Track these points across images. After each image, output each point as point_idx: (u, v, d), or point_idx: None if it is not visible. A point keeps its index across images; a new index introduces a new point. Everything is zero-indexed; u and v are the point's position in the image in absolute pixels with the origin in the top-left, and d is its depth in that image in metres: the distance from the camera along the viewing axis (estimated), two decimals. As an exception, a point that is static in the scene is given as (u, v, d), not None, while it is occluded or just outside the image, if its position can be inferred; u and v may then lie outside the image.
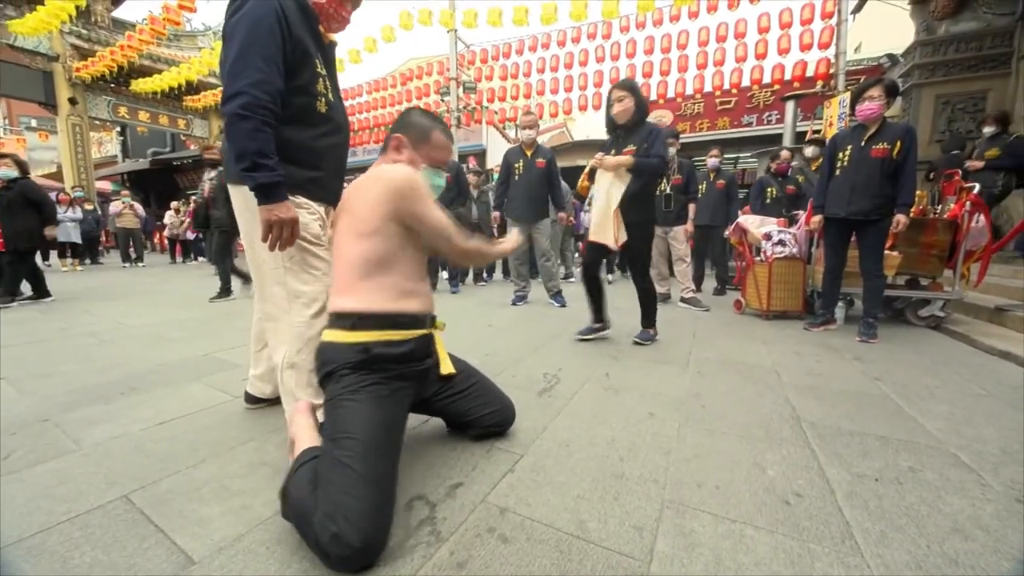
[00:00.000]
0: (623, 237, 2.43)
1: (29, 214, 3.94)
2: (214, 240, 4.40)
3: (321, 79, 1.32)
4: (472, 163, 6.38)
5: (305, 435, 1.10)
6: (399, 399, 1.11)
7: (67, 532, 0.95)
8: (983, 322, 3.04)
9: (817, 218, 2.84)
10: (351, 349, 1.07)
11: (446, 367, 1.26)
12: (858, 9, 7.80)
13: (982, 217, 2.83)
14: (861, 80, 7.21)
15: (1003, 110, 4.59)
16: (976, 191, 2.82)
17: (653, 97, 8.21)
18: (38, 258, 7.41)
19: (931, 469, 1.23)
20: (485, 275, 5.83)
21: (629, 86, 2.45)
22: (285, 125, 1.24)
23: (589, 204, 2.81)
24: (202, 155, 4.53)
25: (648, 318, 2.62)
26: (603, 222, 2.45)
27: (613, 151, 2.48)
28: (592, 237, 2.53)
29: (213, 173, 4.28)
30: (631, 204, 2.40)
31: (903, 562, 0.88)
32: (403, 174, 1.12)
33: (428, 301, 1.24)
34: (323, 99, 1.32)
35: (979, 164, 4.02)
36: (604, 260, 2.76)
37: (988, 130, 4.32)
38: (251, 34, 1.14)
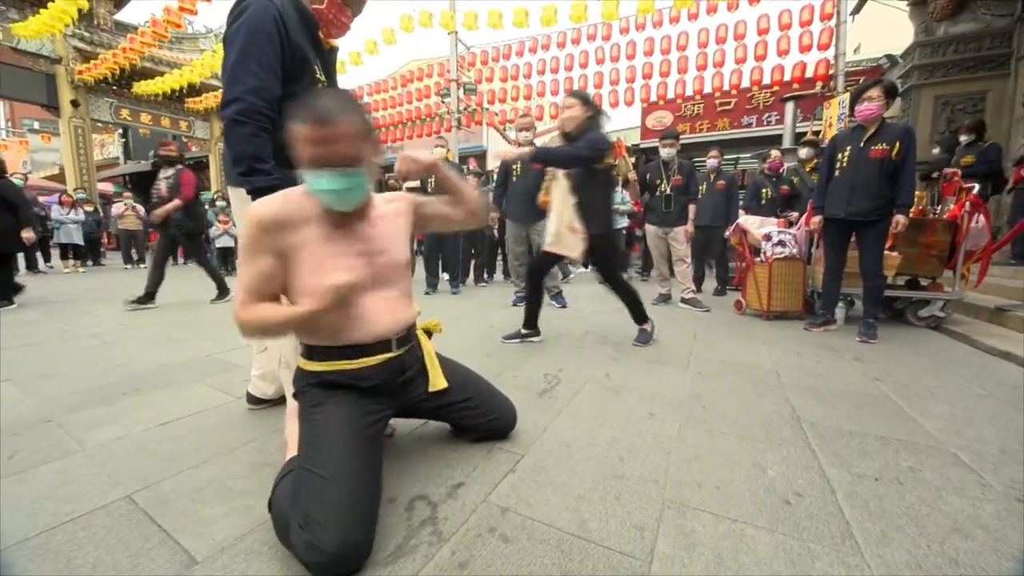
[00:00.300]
0: (570, 252, 2.39)
1: (5, 216, 3.81)
2: (163, 244, 4.14)
3: (320, 85, 1.34)
4: (473, 164, 6.39)
5: (295, 440, 1.11)
6: (367, 405, 1.07)
7: (71, 532, 0.95)
8: (983, 322, 3.04)
9: (817, 219, 2.85)
10: (309, 376, 1.08)
11: (435, 383, 1.19)
12: (857, 10, 7.82)
13: (982, 217, 2.84)
14: (860, 81, 7.22)
15: (979, 119, 4.66)
16: (976, 191, 2.82)
17: (653, 98, 8.23)
18: (40, 260, 7.44)
19: (931, 469, 1.23)
20: (486, 276, 5.84)
21: (581, 96, 2.39)
22: (284, 130, 1.25)
23: None
24: (157, 152, 4.21)
25: (638, 315, 2.58)
26: (559, 234, 2.39)
27: None
28: (547, 248, 2.45)
29: (170, 171, 4.03)
30: (586, 217, 2.34)
31: (903, 562, 0.88)
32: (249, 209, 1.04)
33: (385, 322, 1.08)
34: None
35: (955, 172, 4.06)
36: (552, 268, 2.69)
37: (964, 138, 4.41)
38: (249, 41, 1.17)
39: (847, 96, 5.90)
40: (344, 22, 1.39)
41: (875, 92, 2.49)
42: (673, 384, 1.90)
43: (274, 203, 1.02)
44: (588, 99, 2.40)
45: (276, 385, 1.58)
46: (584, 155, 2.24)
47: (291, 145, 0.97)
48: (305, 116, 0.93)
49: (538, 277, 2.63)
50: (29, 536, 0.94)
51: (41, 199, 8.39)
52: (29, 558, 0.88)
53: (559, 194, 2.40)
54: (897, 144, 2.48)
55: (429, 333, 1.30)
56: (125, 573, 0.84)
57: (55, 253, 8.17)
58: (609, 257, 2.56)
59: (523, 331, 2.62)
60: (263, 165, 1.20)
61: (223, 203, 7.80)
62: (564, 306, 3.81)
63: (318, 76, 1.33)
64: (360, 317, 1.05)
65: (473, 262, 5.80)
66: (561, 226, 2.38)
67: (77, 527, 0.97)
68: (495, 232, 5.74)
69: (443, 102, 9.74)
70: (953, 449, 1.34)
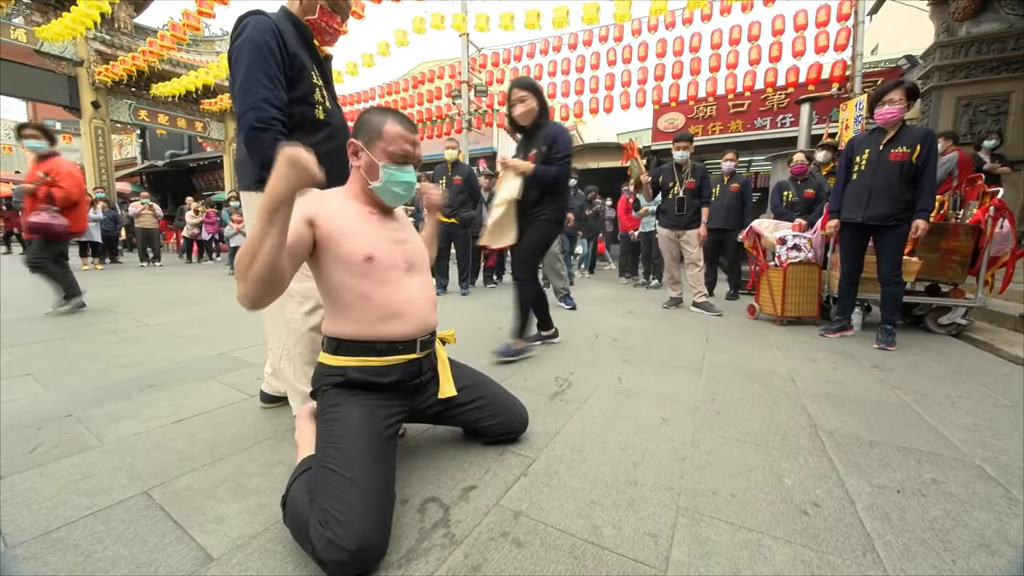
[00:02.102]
0: (509, 241, 2.35)
1: None
2: None
3: (318, 89, 1.41)
4: (483, 165, 6.40)
5: (307, 441, 1.13)
6: (385, 406, 1.09)
7: (91, 526, 0.97)
8: (1008, 330, 2.96)
9: (833, 223, 2.80)
10: (333, 371, 1.09)
11: (446, 390, 1.21)
12: (875, 10, 7.68)
13: (1007, 222, 2.76)
14: (878, 82, 7.08)
15: None
16: (1000, 195, 2.75)
17: (665, 100, 8.17)
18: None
19: (955, 482, 1.19)
20: (495, 278, 5.84)
21: (530, 85, 2.31)
22: (289, 134, 1.33)
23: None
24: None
25: (517, 326, 2.30)
26: (495, 227, 2.33)
27: (521, 154, 2.39)
28: (482, 241, 2.40)
29: None
30: (538, 203, 2.31)
31: (928, 577, 0.86)
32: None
33: (417, 323, 1.14)
34: (320, 107, 1.42)
35: (978, 176, 3.97)
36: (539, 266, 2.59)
37: None
38: (254, 55, 1.25)
39: (864, 98, 5.79)
40: (336, 28, 1.48)
41: (896, 95, 2.44)
42: (686, 389, 1.88)
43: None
44: (539, 90, 2.34)
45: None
46: (567, 171, 2.32)
47: (378, 139, 1.11)
48: (402, 121, 1.14)
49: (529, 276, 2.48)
50: (50, 529, 0.96)
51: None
52: (50, 551, 0.89)
53: (506, 188, 2.30)
54: (918, 147, 2.43)
55: (443, 342, 1.34)
56: (143, 568, 0.85)
57: (74, 251, 8.37)
58: (531, 242, 2.36)
59: (543, 333, 2.62)
60: None
61: (237, 203, 7.92)
62: (574, 308, 3.80)
63: (316, 81, 1.41)
64: (402, 305, 1.11)
65: (483, 264, 5.80)
66: (502, 216, 2.31)
67: (97, 521, 0.99)
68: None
69: (454, 104, 9.78)
70: (978, 462, 1.30)
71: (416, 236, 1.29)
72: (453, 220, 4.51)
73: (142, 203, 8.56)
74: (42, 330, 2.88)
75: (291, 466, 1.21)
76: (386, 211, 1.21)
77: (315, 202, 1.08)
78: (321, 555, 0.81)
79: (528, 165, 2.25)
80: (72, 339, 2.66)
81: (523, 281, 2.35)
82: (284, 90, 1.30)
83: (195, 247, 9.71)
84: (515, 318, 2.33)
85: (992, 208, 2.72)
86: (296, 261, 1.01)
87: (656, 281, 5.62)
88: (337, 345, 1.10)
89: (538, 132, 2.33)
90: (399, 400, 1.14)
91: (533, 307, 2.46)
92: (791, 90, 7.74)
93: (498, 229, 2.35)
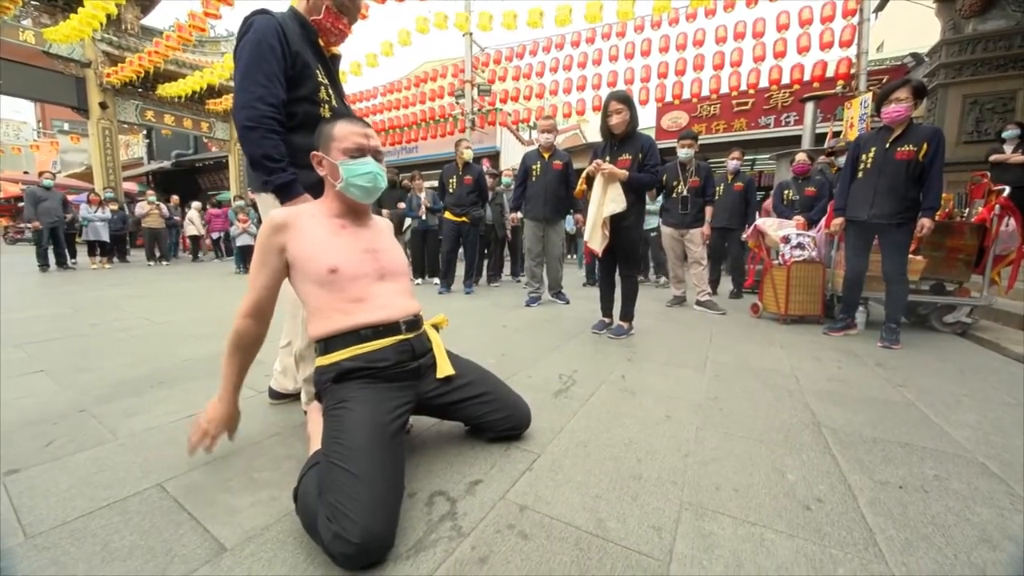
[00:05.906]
0: (604, 243, 2.60)
1: None
2: None
3: (323, 87, 1.43)
4: (486, 165, 6.42)
5: (318, 435, 1.15)
6: (389, 397, 1.11)
7: (108, 517, 1.00)
8: (1013, 329, 2.94)
9: (838, 221, 2.79)
10: (328, 369, 1.13)
11: (443, 369, 1.24)
12: (881, 7, 7.63)
13: (1012, 221, 2.75)
14: (884, 80, 7.04)
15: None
16: (1006, 193, 2.74)
17: (668, 98, 8.16)
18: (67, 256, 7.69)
19: (958, 478, 1.20)
20: (501, 275, 5.86)
21: (626, 99, 2.59)
22: (293, 133, 1.35)
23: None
24: None
25: (627, 313, 2.78)
26: (593, 229, 2.61)
27: (607, 158, 2.63)
28: (585, 238, 2.71)
29: None
30: (627, 211, 2.56)
31: (929, 571, 0.87)
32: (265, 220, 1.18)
33: (394, 307, 1.20)
34: (326, 105, 1.43)
35: (984, 174, 3.93)
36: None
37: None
38: (254, 54, 1.27)
39: (869, 96, 5.76)
40: (342, 29, 1.48)
41: (903, 93, 2.43)
42: (690, 387, 1.89)
43: (285, 209, 1.21)
44: (633, 103, 2.63)
45: (296, 381, 1.63)
46: (658, 178, 2.69)
47: (331, 141, 1.18)
48: (351, 119, 1.21)
49: (607, 271, 2.84)
50: (69, 519, 0.98)
51: (70, 197, 8.68)
52: (69, 541, 0.92)
53: (601, 192, 2.55)
54: (924, 145, 2.42)
55: (437, 328, 1.37)
56: (159, 557, 0.88)
57: (82, 250, 8.45)
58: (635, 247, 2.77)
59: (605, 320, 2.89)
60: (277, 164, 1.29)
61: (241, 203, 7.98)
62: (568, 302, 3.92)
63: (321, 79, 1.42)
64: (370, 301, 1.17)
65: (486, 262, 5.82)
66: (599, 220, 2.57)
67: (113, 512, 1.01)
68: (509, 233, 5.76)
69: (457, 103, 9.80)
70: (981, 458, 1.31)
71: (395, 246, 1.31)
72: (464, 219, 4.55)
73: (149, 203, 8.62)
74: (54, 328, 2.92)
75: (300, 461, 1.24)
76: (360, 221, 1.25)
77: (285, 228, 1.15)
78: (330, 548, 0.83)
79: (624, 173, 2.52)
80: (83, 337, 2.70)
81: (628, 277, 2.77)
82: (283, 88, 1.31)
83: (202, 244, 9.78)
84: (623, 306, 2.77)
85: (998, 206, 2.71)
86: (278, 286, 1.19)
87: (664, 279, 5.62)
88: (325, 346, 1.15)
89: (630, 141, 2.62)
90: (403, 390, 1.16)
91: (630, 299, 2.80)
92: (796, 88, 7.70)
93: (596, 233, 2.61)
